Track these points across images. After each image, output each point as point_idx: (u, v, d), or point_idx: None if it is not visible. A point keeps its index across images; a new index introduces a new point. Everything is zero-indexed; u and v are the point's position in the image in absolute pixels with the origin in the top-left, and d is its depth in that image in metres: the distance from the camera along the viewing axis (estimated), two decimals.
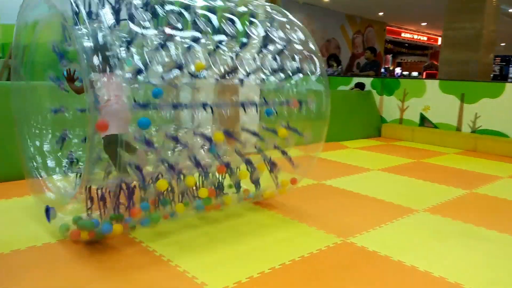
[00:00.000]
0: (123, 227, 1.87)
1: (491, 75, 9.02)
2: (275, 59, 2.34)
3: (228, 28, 2.15)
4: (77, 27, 1.65)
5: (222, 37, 2.13)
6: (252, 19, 2.30)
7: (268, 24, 2.34)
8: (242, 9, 2.28)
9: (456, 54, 7.23)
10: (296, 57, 2.39)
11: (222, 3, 2.21)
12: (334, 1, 11.45)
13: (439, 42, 17.00)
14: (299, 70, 2.38)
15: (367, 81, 6.37)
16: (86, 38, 1.64)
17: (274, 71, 2.33)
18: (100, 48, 1.68)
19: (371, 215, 2.55)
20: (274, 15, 2.43)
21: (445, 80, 5.79)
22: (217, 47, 2.13)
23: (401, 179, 3.54)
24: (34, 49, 2.34)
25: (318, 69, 2.41)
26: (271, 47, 2.34)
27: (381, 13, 13.87)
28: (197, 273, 1.69)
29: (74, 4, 1.68)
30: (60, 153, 2.43)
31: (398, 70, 18.22)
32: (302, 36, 2.45)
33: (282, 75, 2.36)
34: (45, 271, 1.67)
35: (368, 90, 6.30)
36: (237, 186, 2.37)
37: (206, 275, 1.69)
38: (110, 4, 1.85)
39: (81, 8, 1.69)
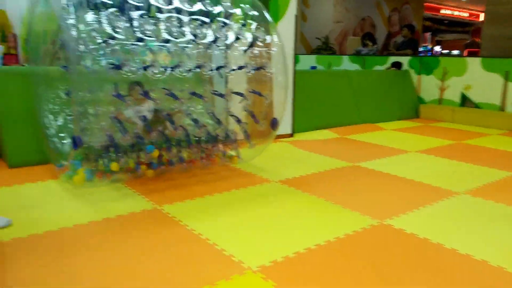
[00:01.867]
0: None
1: None
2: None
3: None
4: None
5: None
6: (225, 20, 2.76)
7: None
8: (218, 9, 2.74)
9: (500, 30, 6.85)
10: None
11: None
12: None
13: (481, 18, 16.17)
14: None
15: (405, 60, 6.17)
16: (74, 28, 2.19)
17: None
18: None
19: (408, 198, 2.50)
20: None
21: (487, 58, 5.51)
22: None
23: (440, 161, 3.44)
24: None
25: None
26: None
27: None
28: (234, 252, 1.73)
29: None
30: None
31: (437, 48, 17.50)
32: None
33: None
34: (91, 247, 1.76)
35: (405, 70, 6.10)
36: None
37: (243, 253, 1.72)
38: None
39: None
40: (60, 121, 2.83)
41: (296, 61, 4.21)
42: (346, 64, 6.93)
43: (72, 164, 2.52)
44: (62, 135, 2.80)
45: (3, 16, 10.46)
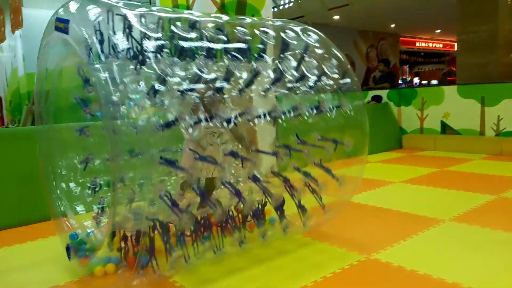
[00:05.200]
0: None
1: None
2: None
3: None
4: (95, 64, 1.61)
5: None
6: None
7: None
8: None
9: (473, 58, 7.12)
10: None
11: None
12: (345, 19, 11.54)
13: (456, 48, 16.82)
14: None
15: (383, 93, 6.32)
16: (103, 71, 1.59)
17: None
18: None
19: (395, 229, 2.48)
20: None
21: (462, 85, 5.68)
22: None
23: (425, 189, 3.45)
24: (55, 94, 2.36)
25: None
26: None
27: (393, 25, 13.87)
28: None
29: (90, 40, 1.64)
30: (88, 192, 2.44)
31: (416, 80, 18.02)
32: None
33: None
34: None
35: (385, 102, 6.24)
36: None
37: None
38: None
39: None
40: (72, 186, 2.48)
41: None
42: None
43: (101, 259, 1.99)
44: (76, 203, 2.44)
45: None
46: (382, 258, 2.04)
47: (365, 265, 1.99)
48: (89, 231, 2.24)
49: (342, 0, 9.29)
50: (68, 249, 2.01)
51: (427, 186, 3.54)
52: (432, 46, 18.45)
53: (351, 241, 2.30)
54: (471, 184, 3.50)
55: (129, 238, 1.97)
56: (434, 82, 16.68)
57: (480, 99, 5.34)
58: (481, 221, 2.51)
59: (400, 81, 15.82)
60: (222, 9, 3.77)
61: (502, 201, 2.97)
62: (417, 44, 17.69)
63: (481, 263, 1.95)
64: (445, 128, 5.70)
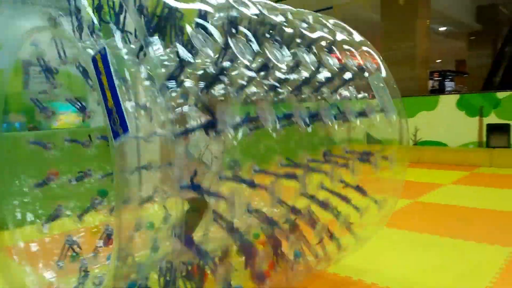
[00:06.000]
0: None
1: (430, 89, 9.59)
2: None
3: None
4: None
5: None
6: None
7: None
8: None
9: (394, 73, 7.67)
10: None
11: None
12: None
13: None
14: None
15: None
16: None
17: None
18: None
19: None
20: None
21: None
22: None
23: None
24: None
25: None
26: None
27: None
28: None
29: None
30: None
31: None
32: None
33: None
34: None
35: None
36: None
37: None
38: None
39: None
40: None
41: None
42: None
43: None
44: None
45: None
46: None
47: None
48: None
49: None
50: None
51: None
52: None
53: None
54: None
55: None
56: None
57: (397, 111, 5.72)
58: (399, 224, 2.67)
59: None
60: None
61: (418, 205, 3.19)
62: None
63: (398, 263, 2.07)
64: (369, 138, 6.02)
